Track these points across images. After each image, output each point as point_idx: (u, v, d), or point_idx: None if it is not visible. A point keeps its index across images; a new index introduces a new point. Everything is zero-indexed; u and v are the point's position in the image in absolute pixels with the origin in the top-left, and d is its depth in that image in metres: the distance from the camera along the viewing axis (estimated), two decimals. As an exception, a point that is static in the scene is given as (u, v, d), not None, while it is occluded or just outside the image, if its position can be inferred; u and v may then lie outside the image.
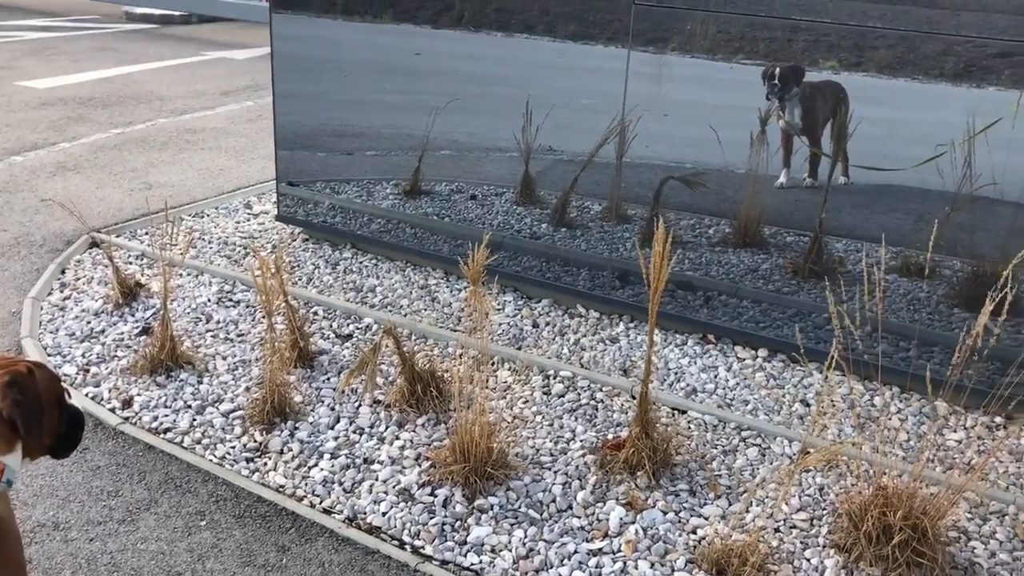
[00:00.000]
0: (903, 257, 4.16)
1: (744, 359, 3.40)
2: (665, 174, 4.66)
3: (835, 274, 3.96)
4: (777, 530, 2.46)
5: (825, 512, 2.52)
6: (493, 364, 3.27)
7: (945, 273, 4.12)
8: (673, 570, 2.31)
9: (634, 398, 2.99)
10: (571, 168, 4.24)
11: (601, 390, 3.13)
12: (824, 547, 2.39)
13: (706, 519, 2.49)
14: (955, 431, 2.97)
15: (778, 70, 3.73)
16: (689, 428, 2.93)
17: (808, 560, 2.35)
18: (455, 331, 3.51)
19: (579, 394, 3.11)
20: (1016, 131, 3.50)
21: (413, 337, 3.48)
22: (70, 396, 1.81)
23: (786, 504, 2.55)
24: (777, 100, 3.90)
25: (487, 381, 3.14)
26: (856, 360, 3.11)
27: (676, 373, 3.29)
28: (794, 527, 2.47)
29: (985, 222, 4.80)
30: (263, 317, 3.51)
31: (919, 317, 3.75)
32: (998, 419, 3.02)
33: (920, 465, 2.43)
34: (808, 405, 3.09)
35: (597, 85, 3.97)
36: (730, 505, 2.55)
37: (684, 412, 3.01)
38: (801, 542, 2.41)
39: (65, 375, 3.17)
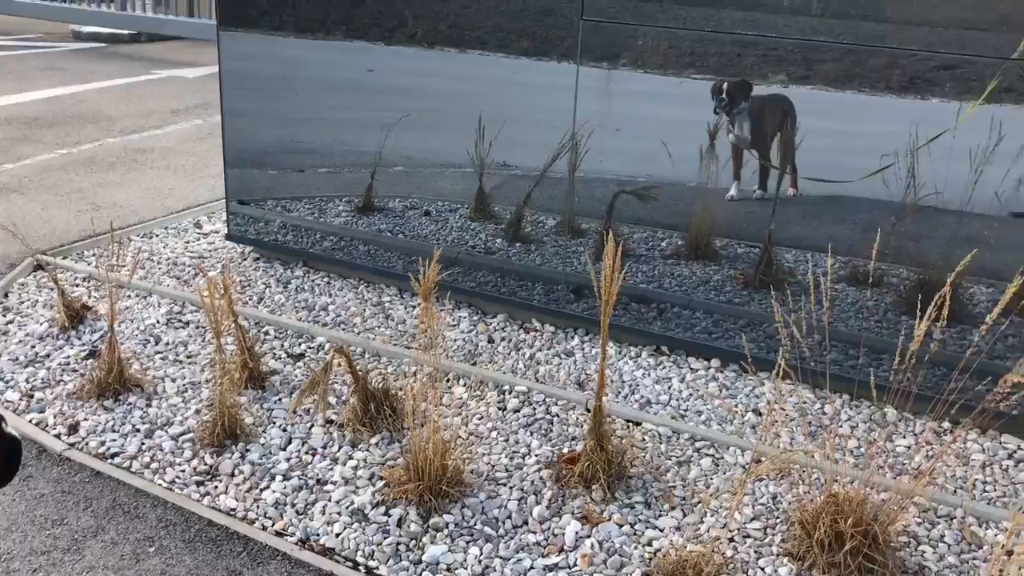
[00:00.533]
0: (851, 266, 4.24)
1: (697, 370, 3.43)
2: (618, 188, 4.70)
3: (784, 284, 4.03)
4: (732, 540, 2.48)
5: (778, 521, 2.54)
6: (448, 381, 3.25)
7: (892, 281, 4.21)
8: (629, 583, 2.31)
9: (589, 411, 3.00)
10: (525, 183, 4.26)
11: (556, 404, 3.14)
12: (778, 555, 2.41)
13: (661, 531, 2.50)
14: (904, 437, 3.02)
15: (726, 85, 3.78)
16: (644, 440, 2.94)
17: (762, 569, 2.37)
18: (409, 348, 3.49)
19: (534, 409, 3.10)
20: (956, 142, 3.59)
21: (367, 355, 3.45)
22: (6, 423, 1.76)
23: (739, 514, 2.57)
24: (726, 115, 3.96)
25: (441, 398, 3.12)
26: (806, 369, 3.16)
27: (631, 385, 3.31)
28: (748, 536, 2.49)
29: (930, 231, 4.90)
30: (212, 338, 3.46)
31: (867, 325, 3.81)
32: (945, 424, 3.07)
33: (870, 471, 2.47)
34: (760, 414, 3.12)
35: (549, 101, 4.00)
36: (685, 516, 2.57)
37: (639, 424, 3.03)
38: (755, 551, 2.43)
39: (8, 402, 3.09)
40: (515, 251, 4.21)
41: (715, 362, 3.47)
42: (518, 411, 3.08)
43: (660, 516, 2.56)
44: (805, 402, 3.21)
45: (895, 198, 4.31)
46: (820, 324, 3.83)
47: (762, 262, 4.06)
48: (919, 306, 2.45)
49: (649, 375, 3.38)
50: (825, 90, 3.89)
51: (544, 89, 4.18)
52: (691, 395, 3.25)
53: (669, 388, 3.29)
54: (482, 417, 3.04)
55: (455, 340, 3.61)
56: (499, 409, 3.09)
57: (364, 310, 3.86)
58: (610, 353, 3.53)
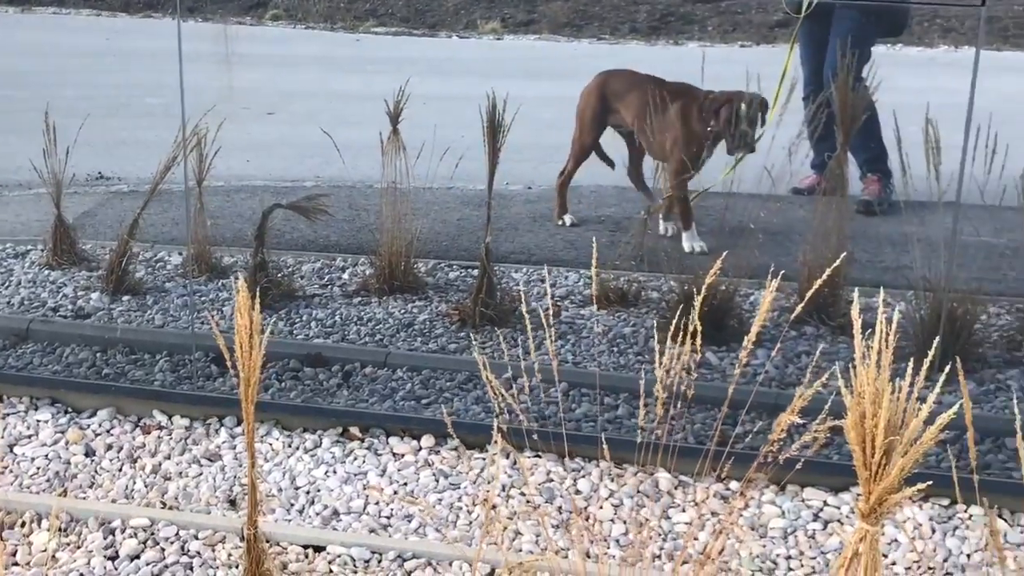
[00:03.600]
0: (600, 282, 4.42)
1: (403, 455, 3.39)
2: (272, 200, 4.60)
3: (512, 316, 4.11)
4: None
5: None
6: (23, 524, 2.98)
7: (653, 296, 4.43)
8: None
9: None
10: (131, 203, 4.04)
11: (197, 538, 2.96)
12: None
13: None
14: (683, 510, 3.14)
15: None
16: (331, 571, 2.85)
17: None
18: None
19: (163, 550, 2.91)
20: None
21: None
22: None
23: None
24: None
25: (15, 553, 2.85)
26: (550, 433, 3.20)
27: (308, 492, 3.20)
28: None
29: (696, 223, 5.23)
30: None
31: (626, 360, 3.97)
32: (734, 484, 3.24)
33: (644, 567, 2.53)
34: (495, 507, 3.13)
35: (166, 75, 3.75)
36: None
37: (322, 549, 2.92)
38: None
39: None
40: (122, 309, 3.98)
41: (427, 440, 3.45)
42: (138, 557, 2.88)
43: None
44: (551, 480, 3.26)
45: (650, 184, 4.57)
46: (566, 367, 3.94)
47: (481, 289, 4.12)
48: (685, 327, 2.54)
49: (334, 473, 3.29)
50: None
51: (157, 59, 3.98)
52: (396, 494, 3.19)
53: (364, 488, 3.22)
54: None
55: (30, 459, 3.32)
56: (108, 559, 2.87)
57: None
58: (275, 448, 3.41)
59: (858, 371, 1.95)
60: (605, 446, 2.59)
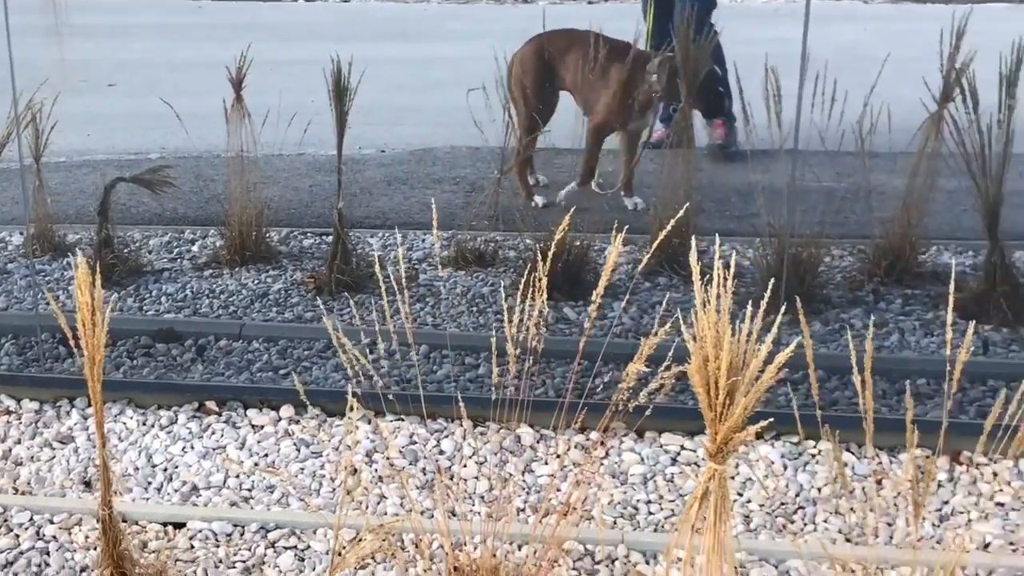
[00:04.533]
0: (456, 243, 4.44)
1: (262, 426, 3.37)
2: (116, 174, 4.49)
3: (369, 281, 4.11)
4: (330, 666, 2.45)
5: (394, 620, 2.56)
6: None
7: (511, 256, 4.47)
8: None
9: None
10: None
11: (52, 522, 2.90)
12: (397, 672, 2.43)
13: None
14: (546, 463, 3.20)
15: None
16: (192, 547, 2.82)
17: None
18: None
19: (17, 536, 2.85)
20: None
21: None
22: None
23: (337, 626, 2.55)
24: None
25: None
26: (408, 396, 3.21)
27: (165, 470, 3.16)
28: (353, 654, 2.48)
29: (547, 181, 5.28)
30: None
31: (486, 320, 4.01)
32: (594, 435, 3.31)
33: (508, 521, 2.57)
34: (356, 471, 3.14)
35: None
36: (262, 648, 2.49)
37: (182, 526, 2.90)
38: (365, 674, 2.43)
39: None
40: (-42, 293, 3.86)
41: (286, 411, 3.43)
42: (-11, 546, 2.81)
43: (226, 658, 2.46)
44: (415, 442, 3.29)
45: (496, 143, 4.59)
46: (426, 329, 3.96)
47: (336, 255, 4.10)
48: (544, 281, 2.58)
49: (192, 448, 3.25)
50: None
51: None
52: (256, 466, 3.18)
53: (223, 462, 3.19)
54: (-72, 569, 2.73)
55: None
56: (-44, 550, 2.79)
57: None
58: (129, 427, 3.35)
59: (699, 316, 2.01)
60: (461, 405, 2.62)
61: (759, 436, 3.16)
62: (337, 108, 3.96)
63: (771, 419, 2.10)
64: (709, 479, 2.07)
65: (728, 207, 4.95)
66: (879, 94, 4.02)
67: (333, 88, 3.91)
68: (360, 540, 2.63)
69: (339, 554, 2.57)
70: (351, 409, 2.38)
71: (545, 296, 2.31)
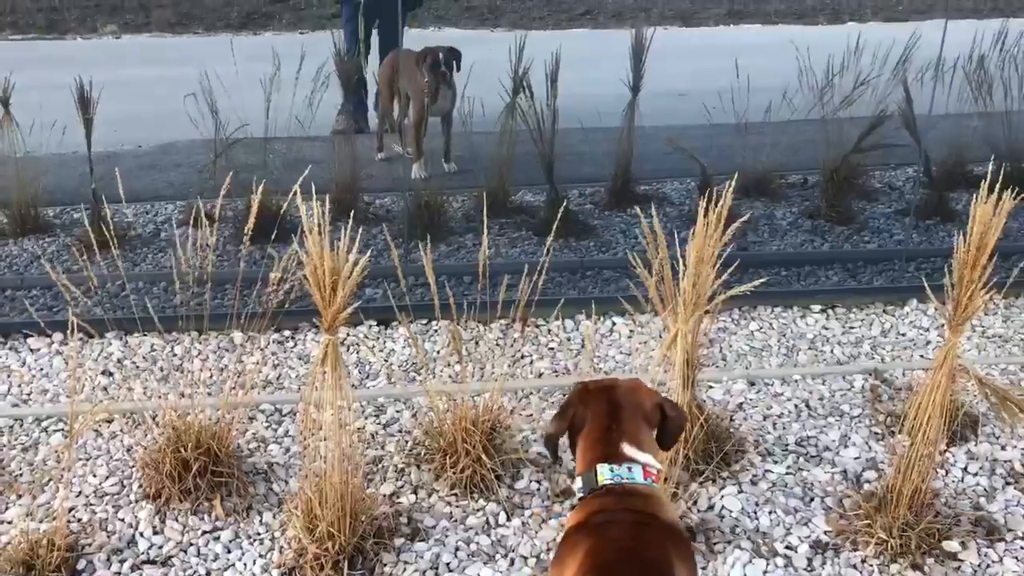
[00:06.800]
0: (191, 209, 4.39)
1: (38, 349, 3.32)
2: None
3: (125, 242, 4.06)
4: (88, 504, 2.52)
5: (133, 470, 2.65)
6: None
7: (229, 215, 4.49)
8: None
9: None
10: None
11: None
12: (136, 501, 2.52)
13: (10, 523, 2.43)
14: (252, 355, 3.32)
15: (442, 55, 3.92)
16: (-10, 438, 2.79)
17: (122, 520, 2.46)
18: None
19: None
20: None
21: None
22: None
23: (93, 476, 2.61)
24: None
25: None
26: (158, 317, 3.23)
27: (-38, 386, 3.07)
28: (105, 495, 2.56)
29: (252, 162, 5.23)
30: None
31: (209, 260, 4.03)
32: (287, 332, 3.46)
33: (224, 396, 2.68)
34: (111, 374, 3.16)
35: None
36: (35, 499, 2.53)
37: (-23, 423, 2.85)
38: (113, 506, 2.51)
39: None
40: None
41: (58, 336, 3.38)
42: None
43: (8, 508, 2.48)
44: (155, 350, 3.33)
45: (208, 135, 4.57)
46: (167, 272, 3.95)
47: (95, 221, 4.02)
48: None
49: (-14, 368, 3.17)
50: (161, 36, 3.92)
51: None
52: (34, 376, 3.14)
53: (9, 377, 3.14)
54: None
55: None
56: None
57: None
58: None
59: (311, 241, 2.19)
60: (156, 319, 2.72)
61: (380, 323, 3.41)
62: (83, 114, 3.87)
63: (359, 303, 2.32)
64: (327, 347, 2.29)
65: (386, 172, 5.16)
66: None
67: (79, 99, 3.81)
68: (110, 420, 2.71)
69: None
70: (70, 332, 2.43)
71: (215, 237, 2.45)
